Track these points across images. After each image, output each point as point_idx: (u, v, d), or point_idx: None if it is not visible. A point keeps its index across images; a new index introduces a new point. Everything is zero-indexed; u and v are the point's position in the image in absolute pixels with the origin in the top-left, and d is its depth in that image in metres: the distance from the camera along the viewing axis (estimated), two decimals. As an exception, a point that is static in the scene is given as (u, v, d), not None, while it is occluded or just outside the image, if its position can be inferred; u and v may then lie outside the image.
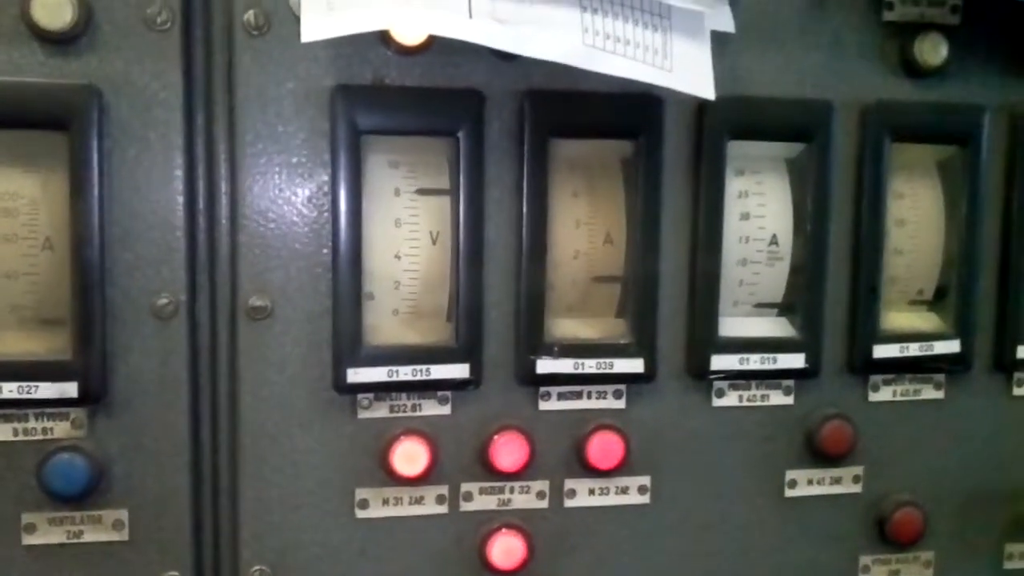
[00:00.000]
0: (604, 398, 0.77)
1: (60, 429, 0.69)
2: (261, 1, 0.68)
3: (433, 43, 0.69)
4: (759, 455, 0.80)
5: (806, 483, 0.81)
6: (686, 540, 0.80)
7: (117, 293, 0.69)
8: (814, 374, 0.79)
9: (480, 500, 0.76)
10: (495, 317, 0.74)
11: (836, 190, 0.78)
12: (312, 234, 0.71)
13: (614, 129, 0.75)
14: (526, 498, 0.77)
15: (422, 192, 0.73)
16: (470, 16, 0.63)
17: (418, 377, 0.72)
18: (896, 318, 0.82)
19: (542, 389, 0.76)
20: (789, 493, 0.81)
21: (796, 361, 0.78)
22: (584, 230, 0.76)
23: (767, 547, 0.82)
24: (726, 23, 0.72)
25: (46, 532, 0.70)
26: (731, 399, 0.79)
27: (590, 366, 0.74)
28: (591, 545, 0.78)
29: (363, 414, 0.73)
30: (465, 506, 0.76)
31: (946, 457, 0.84)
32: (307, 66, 0.69)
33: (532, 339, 0.73)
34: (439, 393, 0.74)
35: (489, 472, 0.75)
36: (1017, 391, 0.85)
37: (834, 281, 0.79)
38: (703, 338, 0.77)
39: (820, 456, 0.80)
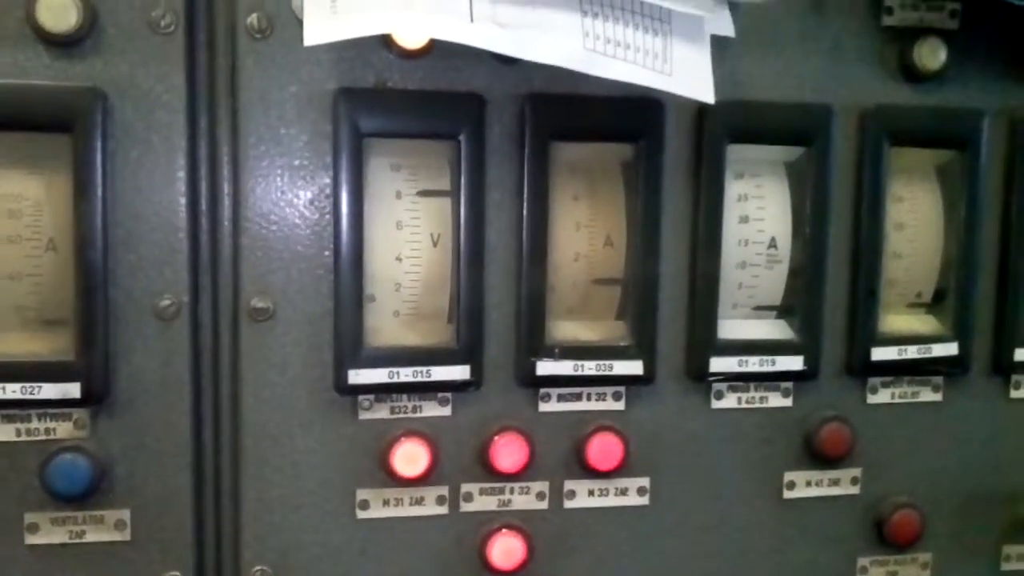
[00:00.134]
0: (604, 400, 0.77)
1: (63, 429, 0.69)
2: (264, 5, 0.69)
3: (434, 47, 0.70)
4: (758, 457, 0.81)
5: (804, 485, 0.82)
6: (685, 541, 0.80)
7: (120, 294, 0.69)
8: (813, 376, 0.79)
9: (480, 501, 0.76)
10: (496, 319, 0.74)
11: (835, 194, 0.78)
12: (314, 236, 0.71)
13: (614, 133, 0.75)
14: (526, 499, 0.77)
15: (423, 194, 0.73)
16: (471, 20, 0.64)
17: (419, 378, 0.72)
18: (895, 321, 0.82)
19: (542, 391, 0.76)
20: (788, 495, 0.81)
21: (795, 363, 0.78)
22: (584, 233, 0.76)
23: (766, 548, 0.82)
24: (726, 27, 0.73)
25: (49, 532, 0.70)
26: (730, 401, 0.80)
27: (590, 368, 0.74)
28: (590, 546, 0.79)
29: (364, 415, 0.73)
30: (465, 507, 0.76)
31: (944, 459, 0.84)
32: (309, 69, 0.70)
33: (532, 341, 0.74)
34: (440, 394, 0.74)
35: (489, 473, 0.75)
36: (1015, 393, 0.85)
37: (833, 284, 0.79)
38: (702, 340, 0.77)
39: (818, 458, 0.81)
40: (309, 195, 0.71)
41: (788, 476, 0.81)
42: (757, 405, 0.80)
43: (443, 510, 0.76)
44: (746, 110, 0.76)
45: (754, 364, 0.78)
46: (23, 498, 0.69)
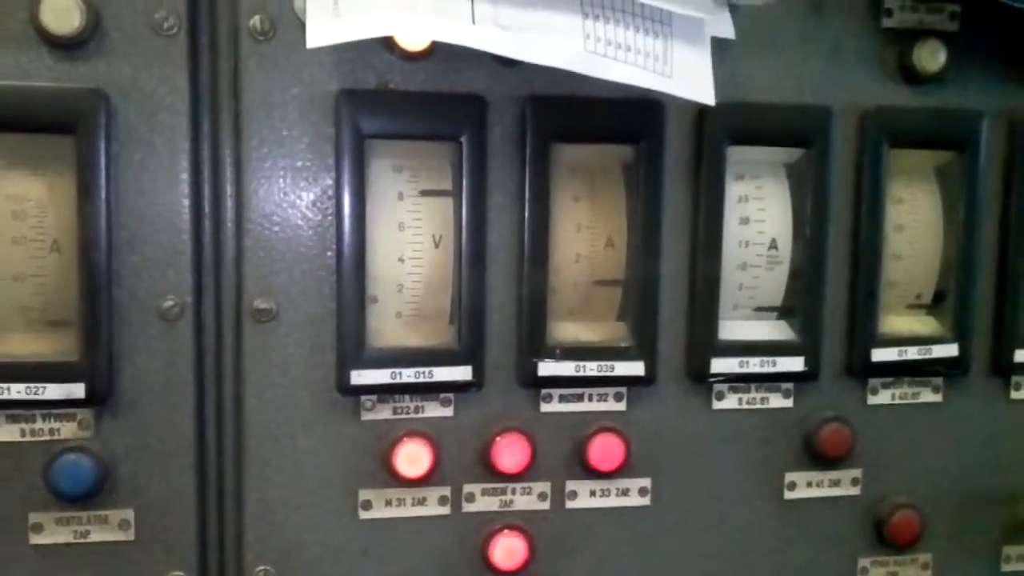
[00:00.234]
0: (605, 400, 0.77)
1: (67, 430, 0.69)
2: (267, 7, 0.69)
3: (436, 49, 0.70)
4: (758, 457, 0.81)
5: (805, 485, 0.82)
6: (686, 541, 0.80)
7: (123, 295, 0.69)
8: (813, 377, 0.80)
9: (482, 501, 0.77)
10: (497, 320, 0.74)
11: (835, 195, 0.79)
12: (316, 237, 0.72)
13: (615, 134, 0.75)
14: (528, 499, 0.77)
15: (425, 193, 0.73)
16: (473, 22, 0.64)
17: (421, 379, 0.72)
18: (894, 322, 0.82)
19: (544, 391, 0.76)
20: (788, 495, 0.82)
21: (795, 364, 0.79)
22: (585, 234, 0.76)
23: (766, 549, 0.82)
24: (726, 30, 0.73)
25: (53, 532, 0.70)
26: (731, 402, 0.80)
27: (591, 369, 0.75)
28: (592, 546, 0.79)
29: (366, 416, 0.74)
30: (467, 507, 0.76)
31: (944, 460, 0.85)
32: (312, 71, 0.70)
33: (534, 342, 0.74)
34: (442, 395, 0.74)
35: (491, 473, 0.76)
36: (1014, 394, 0.85)
37: (833, 285, 0.79)
38: (703, 341, 0.77)
39: (819, 459, 0.81)
40: (311, 196, 0.71)
41: (789, 477, 0.82)
42: (758, 406, 0.80)
43: (445, 510, 0.76)
44: (746, 112, 0.76)
45: (755, 365, 0.78)
46: (28, 498, 0.70)
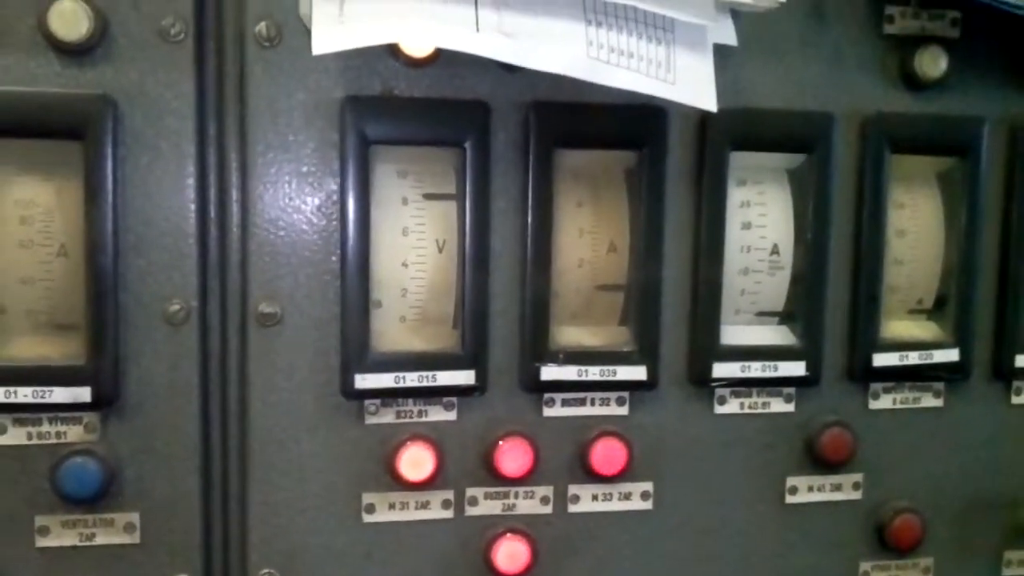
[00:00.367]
0: (607, 405, 0.78)
1: (73, 433, 0.70)
2: (273, 13, 0.69)
3: (440, 55, 0.71)
4: (760, 462, 0.81)
5: (806, 490, 0.82)
6: (688, 545, 0.81)
7: (130, 299, 0.70)
8: (814, 382, 0.80)
9: (485, 505, 0.77)
10: (500, 324, 0.75)
11: (837, 200, 0.79)
12: (321, 242, 0.72)
13: (618, 140, 0.75)
14: (530, 503, 0.77)
15: (429, 197, 0.74)
16: (477, 30, 0.64)
17: (424, 383, 0.72)
18: (896, 327, 0.83)
19: (546, 396, 0.76)
20: (790, 499, 0.82)
21: (797, 369, 0.79)
22: (588, 239, 0.77)
23: (768, 553, 0.82)
24: (728, 36, 0.73)
25: (59, 534, 0.71)
26: (732, 406, 0.80)
27: (593, 373, 0.75)
28: (594, 550, 0.79)
29: (370, 419, 0.74)
30: (470, 511, 0.77)
31: (945, 464, 0.85)
32: (317, 77, 0.71)
33: (537, 346, 0.74)
34: (445, 399, 0.75)
35: (494, 477, 0.76)
36: (1015, 399, 0.85)
37: (835, 290, 0.80)
38: (705, 346, 0.77)
39: (820, 463, 0.81)
40: (316, 201, 0.72)
41: (790, 481, 0.82)
42: (759, 410, 0.80)
43: (448, 514, 0.76)
44: (748, 118, 0.77)
45: (756, 370, 0.78)
46: (34, 501, 0.70)
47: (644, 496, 0.79)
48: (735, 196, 0.78)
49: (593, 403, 0.78)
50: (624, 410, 0.78)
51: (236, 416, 0.73)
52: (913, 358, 0.81)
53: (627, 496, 0.79)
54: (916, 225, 0.82)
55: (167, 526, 0.72)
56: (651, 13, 0.68)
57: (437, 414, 0.75)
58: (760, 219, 0.79)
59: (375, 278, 0.72)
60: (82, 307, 0.68)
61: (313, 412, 0.73)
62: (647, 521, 0.80)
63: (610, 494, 0.79)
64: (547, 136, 0.73)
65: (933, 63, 0.79)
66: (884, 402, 0.83)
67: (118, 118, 0.68)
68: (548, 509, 0.78)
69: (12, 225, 0.68)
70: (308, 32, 0.67)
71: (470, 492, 0.76)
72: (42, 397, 0.67)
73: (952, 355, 0.82)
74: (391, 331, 0.74)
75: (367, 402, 0.74)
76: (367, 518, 0.75)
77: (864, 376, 0.81)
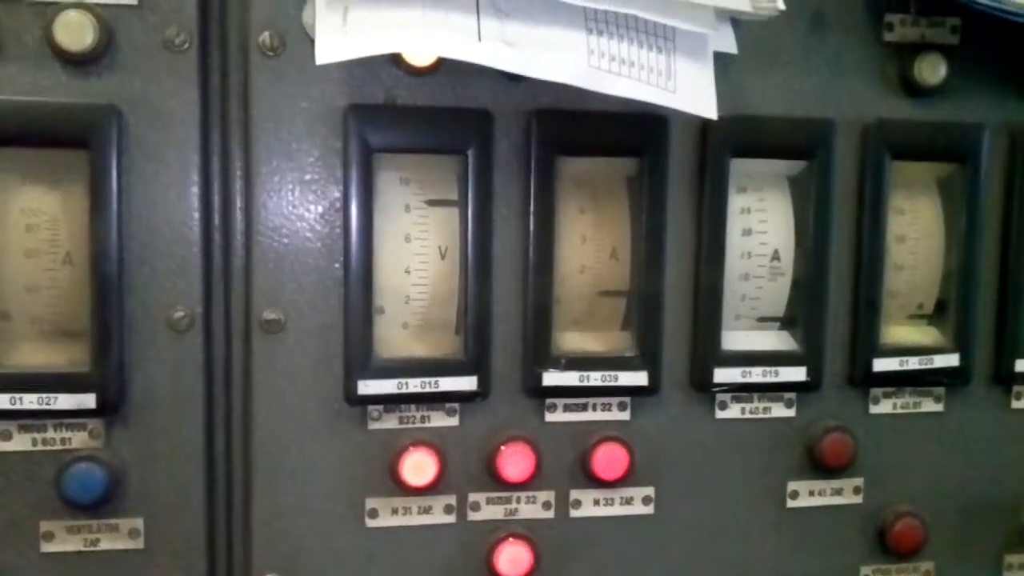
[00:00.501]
0: (609, 410, 0.78)
1: (78, 439, 0.70)
2: (276, 23, 0.70)
3: (443, 64, 0.71)
4: (761, 466, 0.81)
5: (807, 494, 0.82)
6: (689, 550, 0.81)
7: (134, 306, 0.70)
8: (815, 387, 0.80)
9: (487, 510, 0.77)
10: (502, 330, 0.75)
11: (837, 207, 0.79)
12: (324, 249, 0.72)
13: (619, 147, 0.76)
14: (532, 508, 0.78)
15: (432, 203, 0.74)
16: (479, 39, 0.65)
17: (427, 389, 0.73)
18: (896, 332, 0.83)
19: (548, 401, 0.77)
20: (791, 504, 0.82)
21: (797, 374, 0.79)
22: (590, 245, 0.77)
23: (769, 556, 0.83)
24: (729, 44, 0.73)
25: (64, 540, 0.71)
26: (733, 411, 0.80)
27: (595, 379, 0.75)
28: (596, 554, 0.80)
29: (373, 425, 0.74)
30: (472, 516, 0.77)
31: (946, 469, 0.85)
32: (320, 86, 0.71)
33: (539, 352, 0.75)
34: (447, 405, 0.75)
35: (496, 482, 0.76)
36: (1016, 404, 0.86)
37: (835, 296, 0.80)
38: (706, 351, 0.78)
39: (821, 467, 0.81)
40: (320, 209, 0.72)
41: (791, 485, 0.82)
42: (760, 415, 0.81)
43: (451, 519, 0.77)
44: (748, 125, 0.77)
45: (757, 375, 0.78)
46: (39, 506, 0.70)
47: (646, 501, 0.80)
48: (736, 202, 0.78)
49: (595, 408, 0.78)
50: (626, 415, 0.78)
51: (240, 422, 0.74)
52: (913, 363, 0.81)
53: (629, 501, 0.79)
54: (916, 231, 0.82)
55: (171, 531, 0.73)
56: (652, 22, 0.68)
57: (439, 420, 0.75)
58: (761, 225, 0.79)
59: (378, 285, 0.73)
60: (87, 314, 0.68)
61: (316, 418, 0.73)
62: (649, 526, 0.80)
63: (612, 499, 0.79)
64: (549, 144, 0.73)
65: (933, 70, 0.79)
66: (885, 407, 0.83)
67: (123, 127, 0.68)
68: (550, 514, 0.78)
69: (18, 233, 0.69)
70: (311, 41, 0.67)
71: (472, 497, 0.77)
72: (47, 404, 0.68)
73: (952, 360, 0.82)
74: (394, 337, 0.75)
75: (370, 408, 0.74)
76: (370, 523, 0.75)
77: (865, 381, 0.81)
